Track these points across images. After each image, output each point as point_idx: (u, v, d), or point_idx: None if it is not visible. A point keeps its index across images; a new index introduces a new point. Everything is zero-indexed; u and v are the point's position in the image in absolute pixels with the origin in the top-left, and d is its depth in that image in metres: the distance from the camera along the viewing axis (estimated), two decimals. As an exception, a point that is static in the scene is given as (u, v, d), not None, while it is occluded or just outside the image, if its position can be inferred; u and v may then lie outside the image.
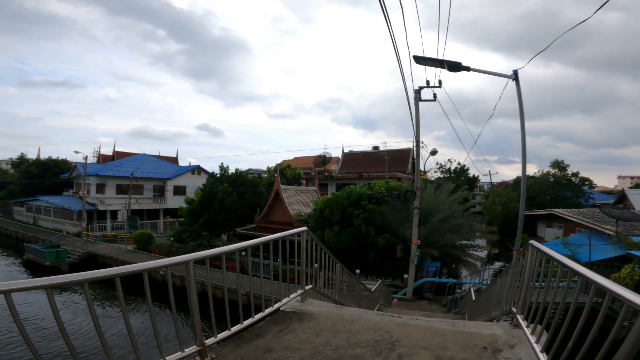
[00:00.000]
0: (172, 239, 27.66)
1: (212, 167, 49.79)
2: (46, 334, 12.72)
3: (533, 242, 3.21)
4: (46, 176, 42.69)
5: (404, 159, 34.72)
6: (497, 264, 26.89)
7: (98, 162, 43.31)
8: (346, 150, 41.01)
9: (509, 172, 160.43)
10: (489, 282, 14.56)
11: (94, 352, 11.23)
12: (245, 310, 3.12)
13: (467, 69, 5.03)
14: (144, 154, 43.50)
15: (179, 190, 38.85)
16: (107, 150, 47.16)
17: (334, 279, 5.23)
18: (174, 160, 48.47)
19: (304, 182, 38.12)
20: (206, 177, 33.15)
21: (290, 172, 37.70)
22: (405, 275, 16.92)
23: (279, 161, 55.06)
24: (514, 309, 3.55)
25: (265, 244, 3.39)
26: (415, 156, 15.59)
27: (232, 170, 29.42)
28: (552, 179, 30.99)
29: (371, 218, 19.59)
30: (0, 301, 1.74)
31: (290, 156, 61.15)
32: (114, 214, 34.63)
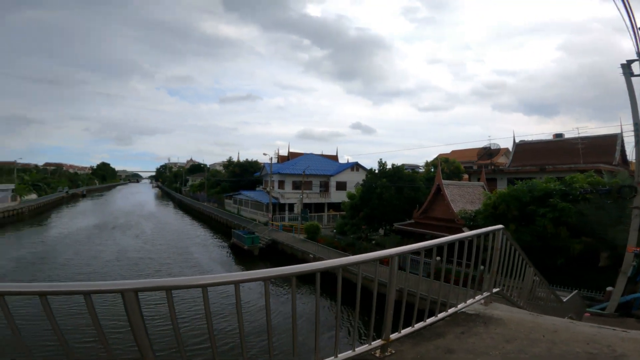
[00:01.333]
0: (334, 231, 30.42)
1: (366, 163, 52.15)
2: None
3: None
4: (245, 175, 54.57)
5: (607, 147, 26.95)
6: None
7: (278, 162, 52.17)
8: (517, 140, 35.23)
9: None
10: None
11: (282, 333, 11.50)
12: (424, 309, 3.15)
13: None
14: (311, 154, 49.70)
15: (340, 186, 42.28)
16: (283, 152, 56.29)
17: (522, 284, 4.63)
18: (335, 158, 53.28)
19: (466, 176, 34.91)
20: (364, 173, 34.86)
21: (447, 167, 35.24)
22: (609, 288, 13.45)
23: (434, 155, 52.30)
24: None
25: (452, 243, 3.29)
26: (635, 143, 11.94)
27: (387, 166, 29.93)
28: None
29: (562, 218, 16.17)
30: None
31: (445, 149, 56.89)
32: (291, 206, 40.70)
